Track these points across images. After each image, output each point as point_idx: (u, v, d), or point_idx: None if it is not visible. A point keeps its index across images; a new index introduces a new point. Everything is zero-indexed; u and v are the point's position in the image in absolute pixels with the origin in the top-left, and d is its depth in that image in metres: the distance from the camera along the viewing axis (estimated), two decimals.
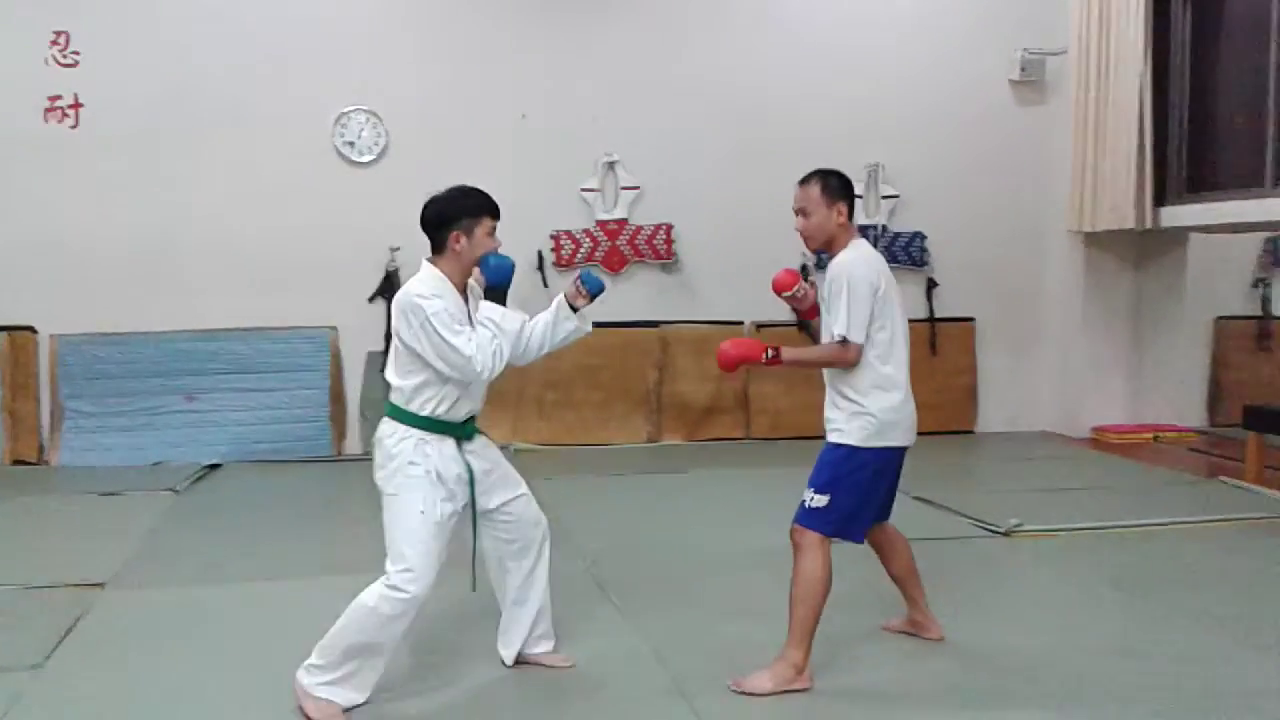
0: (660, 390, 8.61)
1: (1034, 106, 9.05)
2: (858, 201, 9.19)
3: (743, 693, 3.71)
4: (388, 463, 3.62)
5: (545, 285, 8.31)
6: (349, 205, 8.14)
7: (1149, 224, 8.17)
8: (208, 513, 6.48)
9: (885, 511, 4.08)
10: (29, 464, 7.78)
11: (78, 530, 6.10)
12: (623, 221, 8.55)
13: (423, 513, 3.55)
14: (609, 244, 8.51)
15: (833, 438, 3.83)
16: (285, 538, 5.92)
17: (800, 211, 3.89)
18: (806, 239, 3.93)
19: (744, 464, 7.76)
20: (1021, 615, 4.59)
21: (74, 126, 7.91)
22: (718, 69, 8.61)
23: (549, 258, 8.41)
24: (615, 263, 8.50)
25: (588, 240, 8.49)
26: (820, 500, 3.77)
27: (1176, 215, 8.23)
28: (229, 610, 4.67)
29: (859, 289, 3.71)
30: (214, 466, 7.70)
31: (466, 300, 3.67)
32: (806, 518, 3.80)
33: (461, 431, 3.70)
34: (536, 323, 3.81)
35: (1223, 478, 7.11)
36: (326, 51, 8.17)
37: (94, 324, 7.92)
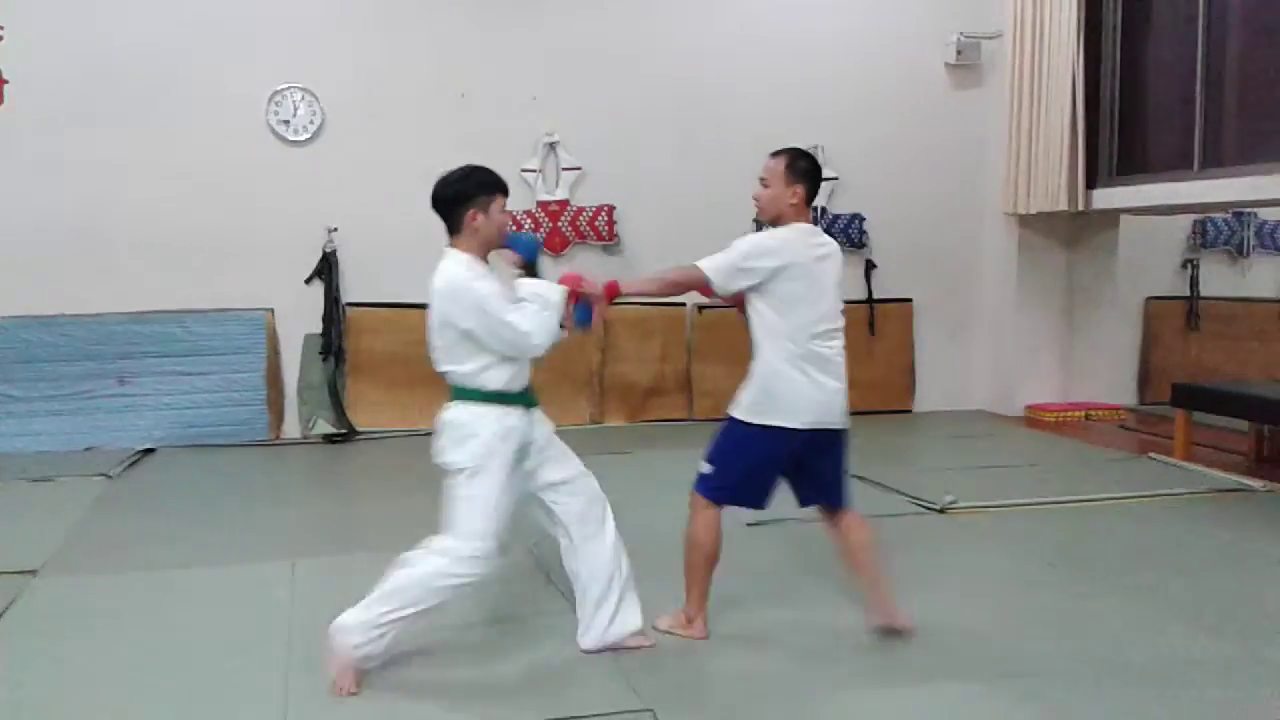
0: (603, 372, 8.62)
1: (970, 90, 9.16)
2: None
3: (654, 628, 4.06)
4: (468, 440, 3.61)
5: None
6: (284, 185, 8.02)
7: (1081, 206, 8.32)
8: (141, 498, 6.38)
9: (831, 496, 4.14)
10: None
11: (8, 517, 5.96)
12: (564, 202, 8.51)
13: (502, 494, 3.62)
14: (550, 225, 8.47)
15: (730, 407, 4.02)
16: (220, 523, 5.85)
17: (763, 181, 4.02)
18: (759, 209, 4.08)
19: (687, 445, 7.71)
20: (958, 591, 4.66)
21: None
22: (659, 50, 8.60)
23: None
24: (557, 244, 8.47)
25: (529, 221, 8.44)
26: (706, 468, 4.03)
27: (1108, 197, 8.39)
28: (163, 597, 4.60)
29: (743, 245, 3.92)
30: (148, 451, 7.57)
31: None
32: (697, 481, 4.06)
33: (529, 400, 3.78)
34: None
35: (1152, 454, 7.29)
36: (261, 28, 8.02)
37: (23, 306, 7.73)
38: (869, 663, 3.89)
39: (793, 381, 3.89)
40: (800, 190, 3.95)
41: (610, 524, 3.93)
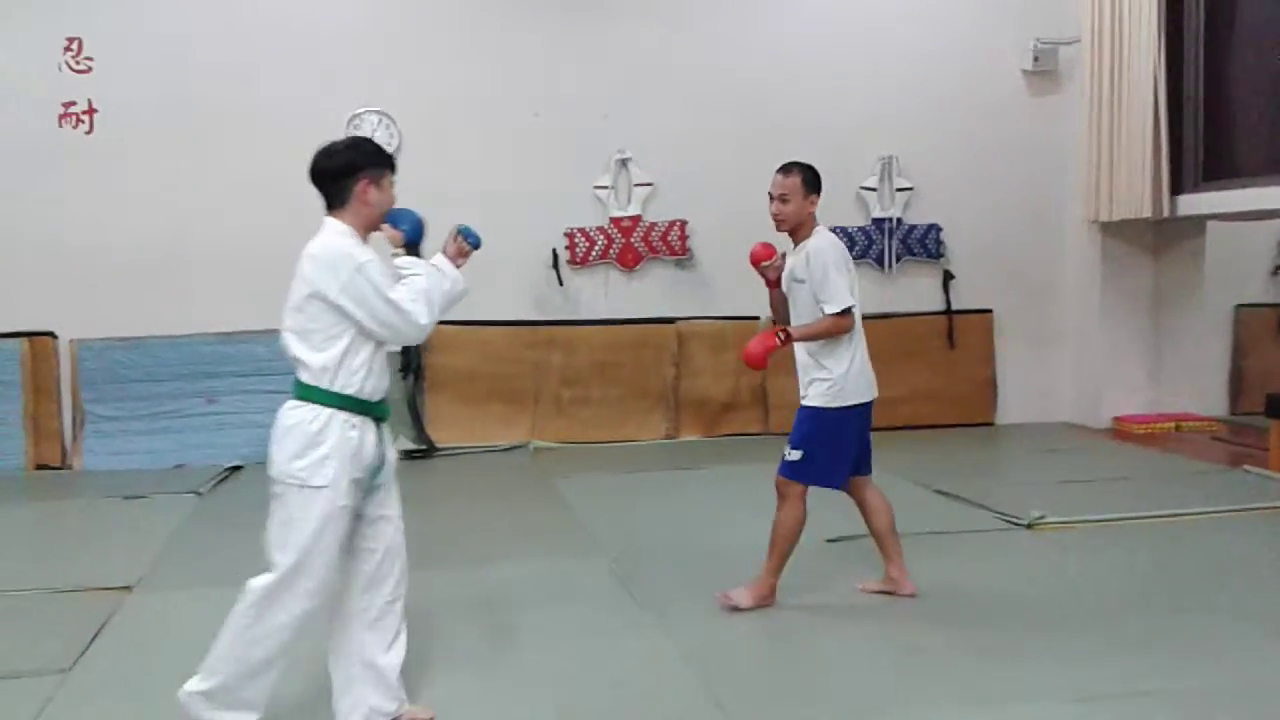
0: (678, 386, 8.60)
1: (1048, 96, 9.01)
2: (872, 194, 9.26)
3: (730, 606, 4.42)
4: (306, 451, 3.21)
5: (560, 284, 8.33)
6: None
7: (1166, 213, 8.12)
8: (231, 515, 6.49)
9: (862, 465, 4.57)
10: (52, 468, 7.83)
11: (102, 534, 6.13)
12: (636, 218, 8.54)
13: (337, 515, 3.24)
14: (623, 241, 8.51)
15: (806, 401, 4.41)
16: None
17: (781, 198, 4.40)
18: (781, 221, 4.44)
19: (763, 459, 7.68)
20: (1048, 610, 4.55)
21: (89, 132, 7.96)
22: (729, 63, 8.60)
23: (563, 255, 8.41)
24: (630, 259, 8.49)
25: (602, 238, 8.49)
26: (796, 455, 4.36)
27: (1194, 203, 8.18)
28: None
29: (841, 266, 4.33)
30: (235, 468, 7.73)
31: None
32: (787, 469, 4.39)
33: (383, 412, 3.39)
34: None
35: (1246, 467, 7.07)
36: (338, 53, 8.19)
37: (113, 328, 7.97)
38: (958, 682, 3.82)
39: (864, 362, 4.42)
40: (815, 199, 4.43)
41: (403, 591, 3.48)
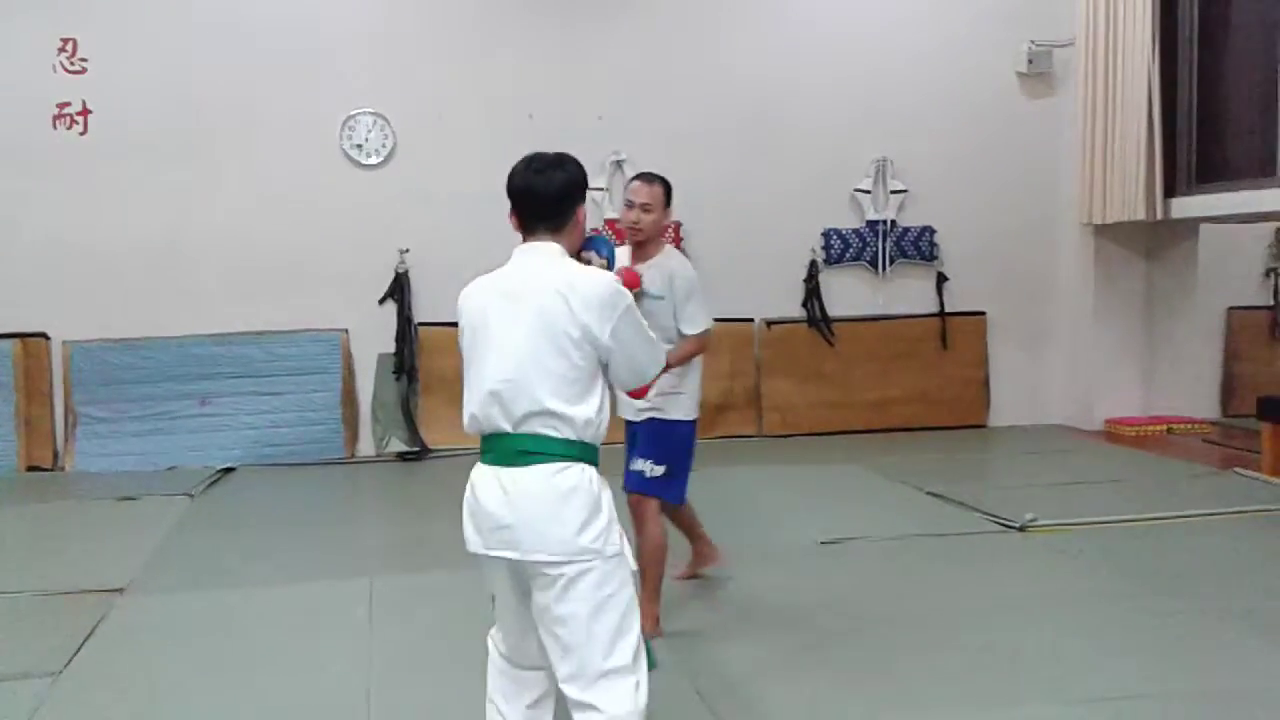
0: None
1: (1042, 99, 9.02)
2: (866, 196, 9.26)
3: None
4: (593, 519, 2.65)
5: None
6: (358, 207, 8.16)
7: (1160, 215, 8.13)
8: (223, 517, 6.50)
9: None
10: (44, 470, 7.80)
11: (94, 536, 6.11)
12: None
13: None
14: (619, 243, 8.50)
15: (658, 415, 4.25)
16: (300, 541, 5.94)
17: (644, 207, 4.21)
18: (639, 231, 4.24)
19: (757, 461, 7.75)
20: (1041, 612, 4.55)
21: (83, 133, 7.94)
22: (724, 66, 8.60)
23: None
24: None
25: None
26: (660, 470, 4.25)
27: (1187, 206, 8.20)
28: (247, 614, 4.68)
29: (695, 283, 4.26)
30: (228, 470, 7.72)
31: None
32: (649, 485, 4.25)
33: None
34: None
35: (1238, 469, 7.08)
36: (333, 54, 8.18)
37: (106, 329, 7.95)
38: (951, 684, 3.82)
39: (700, 375, 4.39)
40: (669, 213, 4.34)
41: None
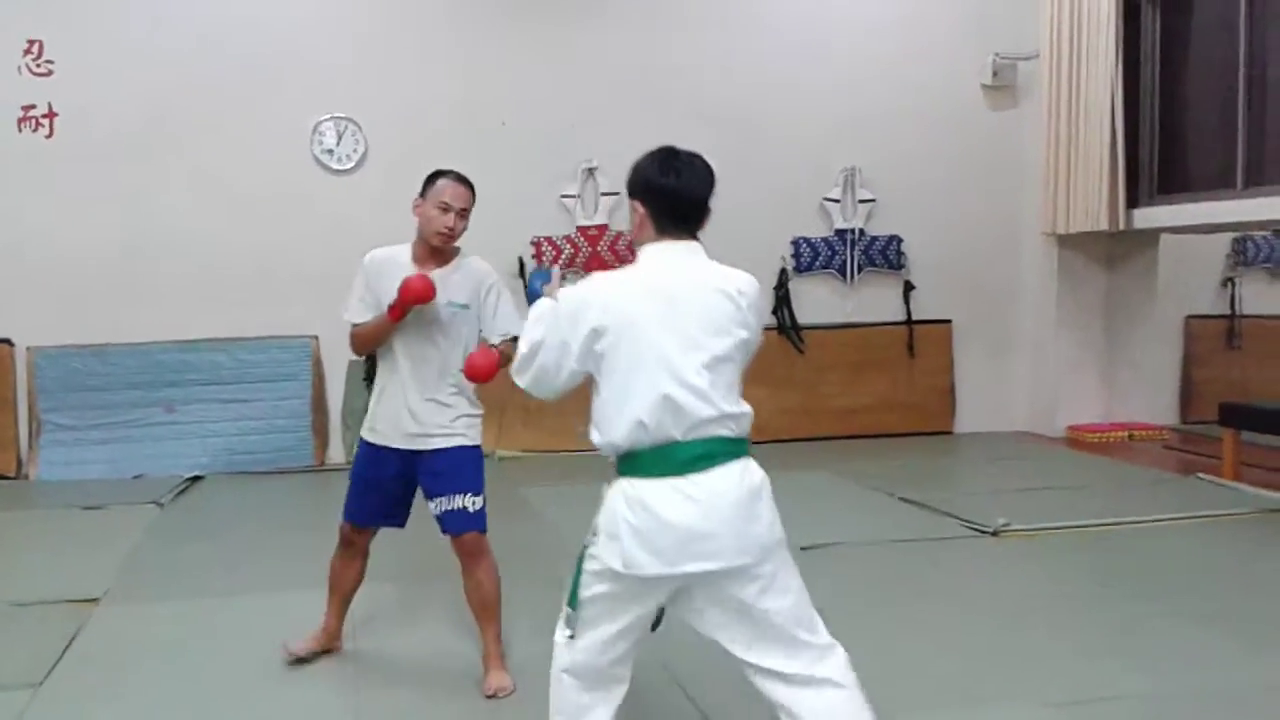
0: None
1: (1007, 110, 9.17)
2: (835, 205, 9.33)
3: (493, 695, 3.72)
4: (775, 511, 2.72)
5: (527, 291, 8.32)
6: (328, 213, 8.11)
7: (1122, 226, 8.29)
8: (194, 525, 6.43)
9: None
10: (8, 479, 7.67)
11: (63, 545, 6.01)
12: (603, 227, 8.57)
13: None
14: (590, 250, 8.54)
15: (465, 441, 3.92)
16: (273, 549, 5.88)
17: (462, 212, 3.92)
18: (452, 238, 3.93)
19: None
20: (1015, 615, 4.63)
21: (49, 136, 7.83)
22: (695, 75, 8.65)
23: (530, 264, 8.42)
24: (597, 268, 8.51)
25: (568, 246, 8.51)
26: (480, 501, 3.90)
27: (1149, 217, 8.36)
28: (228, 624, 4.64)
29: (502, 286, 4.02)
30: (196, 478, 7.64)
31: None
32: (477, 521, 3.89)
33: None
34: None
35: (1200, 474, 7.24)
36: (304, 59, 8.13)
37: (71, 335, 7.83)
38: (928, 688, 3.88)
39: None
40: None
41: None
